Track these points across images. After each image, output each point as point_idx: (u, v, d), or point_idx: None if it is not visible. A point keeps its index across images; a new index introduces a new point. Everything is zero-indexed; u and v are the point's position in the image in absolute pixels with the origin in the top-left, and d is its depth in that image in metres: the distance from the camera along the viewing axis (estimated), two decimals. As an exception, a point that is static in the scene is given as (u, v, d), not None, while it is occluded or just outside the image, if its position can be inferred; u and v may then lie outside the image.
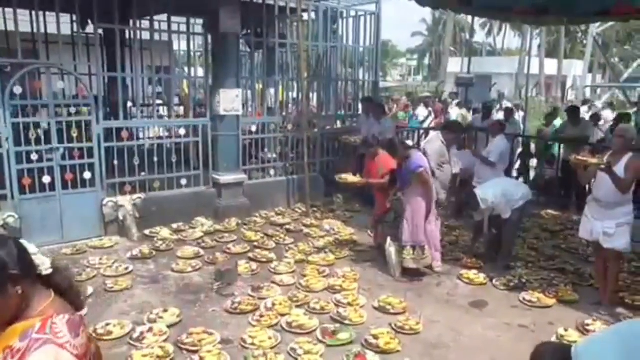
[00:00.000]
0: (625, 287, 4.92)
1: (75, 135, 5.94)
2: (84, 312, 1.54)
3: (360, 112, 8.80)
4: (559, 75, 33.23)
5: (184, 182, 6.85)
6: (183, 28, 7.65)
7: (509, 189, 5.46)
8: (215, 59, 7.00)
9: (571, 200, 8.00)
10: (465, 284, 5.14)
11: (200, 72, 8.62)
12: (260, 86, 8.17)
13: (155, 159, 6.62)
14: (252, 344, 3.79)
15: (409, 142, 9.28)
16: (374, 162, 5.76)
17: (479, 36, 48.34)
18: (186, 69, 10.77)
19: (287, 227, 6.81)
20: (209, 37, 7.15)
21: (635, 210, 4.57)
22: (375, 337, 3.90)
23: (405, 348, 3.84)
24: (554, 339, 3.95)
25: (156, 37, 6.92)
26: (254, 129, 8.11)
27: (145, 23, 7.15)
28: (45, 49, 7.64)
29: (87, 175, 5.99)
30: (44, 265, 1.44)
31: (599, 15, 6.94)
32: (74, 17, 6.32)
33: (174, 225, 6.58)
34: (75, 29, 6.45)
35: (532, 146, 9.56)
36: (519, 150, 9.63)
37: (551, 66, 32.59)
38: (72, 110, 6.40)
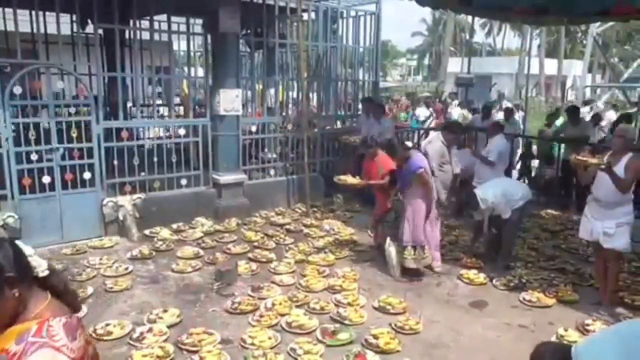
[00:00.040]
0: (625, 287, 4.92)
1: (75, 135, 5.94)
2: (81, 313, 1.53)
3: (360, 112, 8.80)
4: (559, 75, 33.26)
5: (183, 182, 6.85)
6: (183, 28, 7.66)
7: (508, 188, 5.46)
8: (215, 59, 7.00)
9: (571, 200, 8.01)
10: (465, 283, 5.14)
11: (200, 72, 8.62)
12: (260, 86, 8.18)
13: (155, 159, 6.62)
14: (252, 344, 3.79)
15: (409, 143, 9.30)
16: (373, 162, 5.76)
17: (479, 36, 48.44)
18: (186, 69, 10.78)
19: (287, 227, 6.81)
20: (209, 37, 7.16)
21: (635, 210, 4.57)
22: (375, 337, 3.90)
23: (405, 348, 3.84)
24: (553, 338, 3.95)
25: (156, 37, 6.92)
26: (253, 129, 8.11)
27: (145, 23, 7.16)
28: (45, 49, 7.64)
29: (87, 175, 5.99)
30: (40, 267, 1.42)
31: (599, 15, 6.94)
32: (74, 17, 6.33)
33: (174, 226, 6.58)
34: (75, 29, 6.46)
35: (534, 147, 9.56)
36: (519, 150, 9.65)
37: (551, 66, 32.62)
38: (72, 110, 6.41)
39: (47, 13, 7.20)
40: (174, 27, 7.32)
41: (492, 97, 19.33)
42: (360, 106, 8.82)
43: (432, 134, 9.19)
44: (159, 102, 9.34)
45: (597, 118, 9.87)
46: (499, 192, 5.31)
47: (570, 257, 5.87)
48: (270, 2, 7.48)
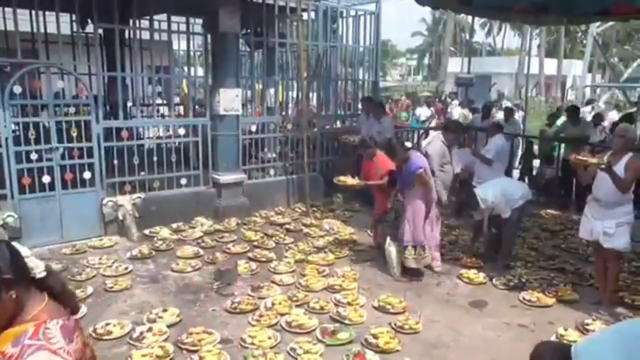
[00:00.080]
0: (625, 286, 4.92)
1: (74, 134, 5.94)
2: (81, 313, 1.53)
3: (360, 111, 8.80)
4: (559, 75, 33.25)
5: (183, 181, 6.85)
6: (182, 28, 7.64)
7: (508, 188, 5.46)
8: (214, 58, 6.99)
9: (571, 199, 8.01)
10: (465, 283, 5.14)
11: (200, 71, 8.62)
12: (260, 86, 8.18)
13: (155, 158, 6.62)
14: (252, 343, 3.79)
15: (408, 144, 9.32)
16: (372, 162, 5.76)
17: (479, 36, 48.44)
18: (186, 69, 10.77)
19: (287, 226, 6.81)
20: (209, 36, 7.15)
21: (635, 210, 4.57)
22: (375, 336, 3.90)
23: (404, 347, 3.84)
24: (553, 338, 3.95)
25: (156, 36, 6.91)
26: (253, 128, 8.11)
27: (145, 23, 7.16)
28: (45, 48, 7.63)
29: (87, 174, 5.99)
30: (38, 268, 1.40)
31: (598, 14, 6.94)
32: (74, 17, 6.32)
33: (174, 225, 6.58)
34: (74, 29, 6.46)
35: (535, 147, 9.55)
36: (519, 150, 9.64)
37: (551, 66, 32.61)
38: (72, 109, 6.40)
39: (47, 13, 7.19)
40: (174, 26, 7.31)
41: (492, 97, 19.31)
42: (360, 106, 8.82)
43: (431, 133, 9.21)
44: (158, 101, 9.34)
45: (598, 118, 9.84)
46: (499, 191, 5.31)
47: (570, 257, 5.87)
48: (270, 2, 7.47)
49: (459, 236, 6.47)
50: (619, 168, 4.20)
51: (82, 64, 7.61)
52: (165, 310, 4.30)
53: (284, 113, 8.35)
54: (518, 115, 10.96)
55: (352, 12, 8.61)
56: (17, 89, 5.46)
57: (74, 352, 1.31)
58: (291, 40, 8.40)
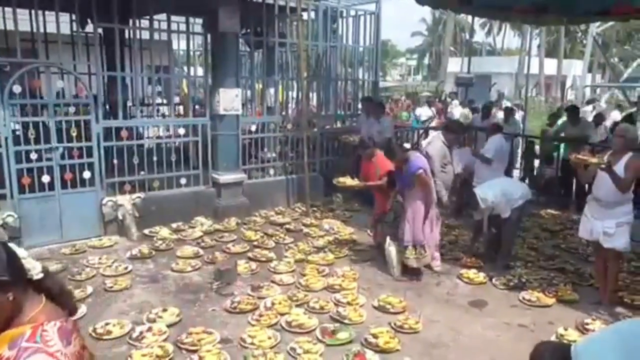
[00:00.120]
0: (624, 286, 4.92)
1: (74, 134, 5.94)
2: (80, 313, 1.52)
3: (359, 111, 8.80)
4: (559, 75, 33.26)
5: (183, 181, 6.85)
6: (182, 27, 7.64)
7: (508, 188, 5.46)
8: (214, 58, 6.99)
9: (571, 199, 8.00)
10: (464, 283, 5.13)
11: (200, 71, 8.62)
12: (260, 85, 8.17)
13: (155, 158, 6.62)
14: (252, 343, 3.79)
15: (407, 145, 9.33)
16: (371, 163, 5.76)
17: (479, 36, 48.45)
18: (185, 69, 10.76)
19: (287, 226, 6.81)
20: (209, 36, 7.15)
21: (635, 210, 4.57)
22: (375, 336, 3.90)
23: (404, 347, 3.84)
24: (553, 338, 3.95)
25: (155, 36, 6.91)
26: (253, 128, 8.11)
27: (145, 22, 7.15)
28: (45, 48, 7.63)
29: (87, 174, 5.99)
30: (35, 269, 1.38)
31: (598, 14, 6.95)
32: (74, 17, 6.33)
33: (174, 225, 6.58)
34: (74, 29, 6.45)
35: (536, 147, 9.54)
36: (519, 150, 9.63)
37: (551, 66, 32.62)
38: (72, 109, 6.40)
39: (46, 12, 7.19)
40: (174, 26, 7.31)
41: (492, 96, 19.31)
42: (360, 106, 8.82)
43: (431, 134, 9.20)
44: (158, 101, 9.34)
45: (599, 118, 9.84)
46: (499, 191, 5.31)
47: (570, 257, 5.87)
48: (270, 2, 7.46)
49: (458, 236, 6.47)
50: (619, 168, 4.20)
51: (81, 64, 7.60)
52: (165, 310, 4.30)
53: (283, 113, 8.35)
54: (518, 115, 10.96)
55: (352, 12, 8.61)
56: (17, 89, 5.46)
57: (71, 355, 1.30)
58: (291, 40, 8.40)
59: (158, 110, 8.52)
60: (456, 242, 6.28)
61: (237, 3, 6.71)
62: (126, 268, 5.26)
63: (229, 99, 6.88)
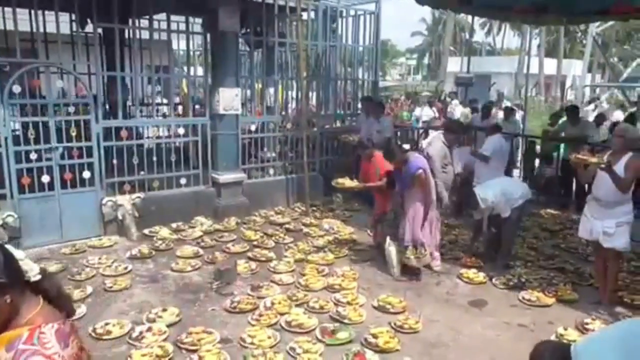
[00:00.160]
0: (624, 286, 4.92)
1: (74, 134, 5.94)
2: (80, 313, 1.52)
3: (359, 111, 8.79)
4: (559, 74, 33.26)
5: (183, 181, 6.85)
6: (182, 27, 7.63)
7: (508, 188, 5.46)
8: (214, 58, 6.99)
9: (571, 199, 8.01)
10: (464, 283, 5.13)
11: (200, 71, 8.61)
12: (260, 85, 8.17)
13: (155, 158, 6.62)
14: (252, 343, 3.79)
15: (406, 146, 9.32)
16: (370, 163, 5.76)
17: (479, 36, 48.47)
18: (185, 68, 10.76)
19: (287, 226, 6.81)
20: (208, 36, 7.14)
21: (635, 210, 4.57)
22: (375, 336, 3.90)
23: (404, 347, 3.84)
24: (553, 337, 3.95)
25: (155, 36, 6.91)
26: (253, 128, 8.09)
27: (145, 22, 7.15)
28: (45, 48, 7.62)
29: (86, 174, 5.98)
30: (32, 271, 1.37)
31: (598, 14, 6.95)
32: (73, 17, 6.32)
33: (173, 225, 6.58)
34: (74, 28, 6.45)
35: (537, 147, 9.54)
36: (519, 150, 9.63)
37: (550, 66, 32.62)
38: (72, 109, 6.40)
39: (46, 12, 7.18)
40: (174, 26, 7.30)
41: (492, 96, 19.31)
42: (359, 105, 8.82)
43: (431, 134, 9.20)
44: (158, 101, 9.33)
45: (601, 118, 9.83)
46: (499, 191, 5.31)
47: (570, 257, 5.87)
48: (270, 1, 7.46)
49: (458, 236, 6.47)
50: (619, 168, 4.20)
51: (81, 64, 7.59)
52: (164, 310, 4.30)
53: (283, 112, 8.35)
54: (518, 115, 10.96)
55: (352, 12, 8.61)
56: (17, 89, 5.46)
57: (69, 357, 1.29)
58: (291, 39, 8.40)
59: (158, 110, 8.52)
60: (456, 242, 6.28)
61: (237, 3, 6.71)
62: (126, 268, 5.26)
63: (229, 99, 6.88)
